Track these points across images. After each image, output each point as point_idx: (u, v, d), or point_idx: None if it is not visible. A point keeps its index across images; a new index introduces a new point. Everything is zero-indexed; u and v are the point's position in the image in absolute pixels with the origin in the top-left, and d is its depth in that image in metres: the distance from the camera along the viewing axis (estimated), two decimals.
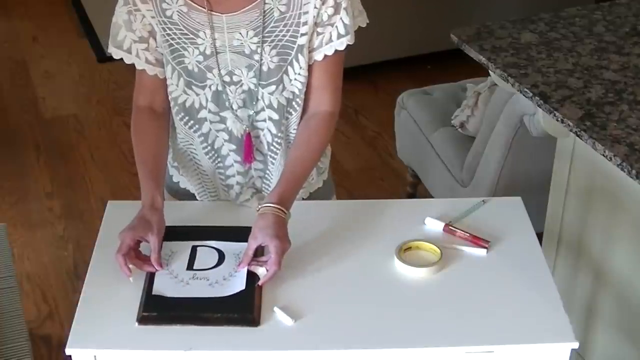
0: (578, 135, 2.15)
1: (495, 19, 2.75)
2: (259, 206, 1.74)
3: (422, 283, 1.72)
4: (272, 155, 1.92)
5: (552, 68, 2.40)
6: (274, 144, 1.90)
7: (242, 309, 1.63)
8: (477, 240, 1.81)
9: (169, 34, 1.79)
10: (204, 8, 1.76)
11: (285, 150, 1.91)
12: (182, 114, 1.89)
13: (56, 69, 4.79)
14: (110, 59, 4.80)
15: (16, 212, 3.61)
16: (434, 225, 1.86)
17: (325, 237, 1.84)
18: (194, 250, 1.77)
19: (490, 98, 2.95)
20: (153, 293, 1.67)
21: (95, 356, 1.58)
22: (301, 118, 1.88)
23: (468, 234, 1.82)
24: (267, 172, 1.95)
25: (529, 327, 1.62)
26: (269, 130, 1.89)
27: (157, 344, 1.58)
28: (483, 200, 1.96)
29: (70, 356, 1.59)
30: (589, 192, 2.44)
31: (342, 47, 1.81)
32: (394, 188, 3.64)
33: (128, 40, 1.81)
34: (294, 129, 1.89)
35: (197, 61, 1.80)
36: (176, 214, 1.86)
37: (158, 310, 1.63)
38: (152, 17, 1.78)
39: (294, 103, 1.86)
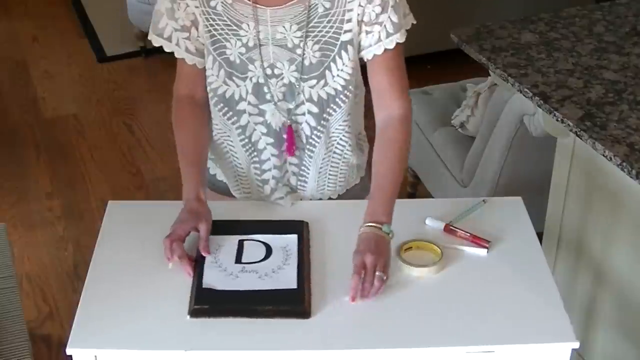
0: (578, 135, 2.15)
1: (495, 19, 2.75)
2: (359, 230, 1.73)
3: (422, 283, 1.72)
4: (310, 148, 1.92)
5: (552, 68, 2.40)
6: (313, 136, 1.90)
7: (293, 301, 1.63)
8: (477, 240, 1.81)
9: (211, 24, 1.79)
10: (249, 0, 1.76)
11: (324, 144, 1.91)
12: (221, 104, 1.88)
13: (56, 69, 4.79)
14: (110, 58, 4.88)
15: (16, 212, 3.61)
16: (435, 225, 1.86)
17: (326, 236, 1.84)
18: (240, 244, 1.78)
19: (490, 98, 2.95)
20: (203, 286, 1.66)
21: (95, 356, 1.58)
22: (348, 114, 1.89)
23: (468, 234, 1.82)
24: (303, 167, 1.95)
25: (529, 327, 1.62)
26: (308, 123, 1.89)
27: (157, 344, 1.58)
28: (483, 200, 1.96)
29: (70, 356, 1.59)
30: (589, 192, 2.44)
31: (391, 46, 1.80)
32: None
33: (169, 28, 1.81)
34: (338, 127, 1.90)
35: (239, 53, 1.81)
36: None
37: (210, 303, 1.63)
38: (196, 7, 1.78)
39: (337, 100, 1.86)
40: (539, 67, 2.41)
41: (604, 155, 2.07)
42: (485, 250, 1.79)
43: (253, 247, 1.77)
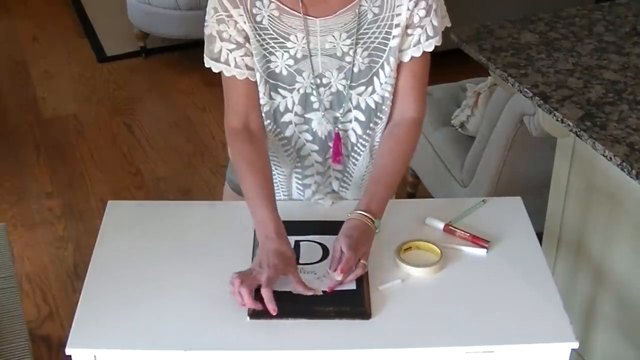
0: (578, 135, 2.15)
1: (495, 19, 2.75)
2: (348, 215, 1.73)
3: (421, 283, 1.72)
4: (355, 156, 1.91)
5: (552, 68, 2.40)
6: (358, 144, 1.89)
7: (353, 302, 1.63)
8: (477, 240, 1.81)
9: (257, 40, 1.75)
10: (299, 12, 1.72)
11: (369, 152, 1.90)
12: (266, 120, 1.84)
13: (56, 69, 4.79)
14: (110, 58, 4.88)
15: (16, 212, 3.61)
16: (434, 225, 1.86)
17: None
18: (297, 245, 1.77)
19: (490, 98, 2.95)
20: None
21: (95, 356, 1.58)
22: (386, 124, 1.86)
23: (468, 234, 1.82)
24: (346, 173, 1.94)
25: (529, 327, 1.62)
26: (354, 131, 1.87)
27: (157, 344, 1.58)
28: (483, 200, 1.96)
29: (70, 356, 1.59)
30: (589, 192, 2.44)
31: (430, 49, 1.80)
32: None
33: (224, 51, 1.76)
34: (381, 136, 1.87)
35: (286, 65, 1.77)
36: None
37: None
38: (244, 23, 1.73)
39: (384, 107, 1.83)
40: (539, 67, 2.41)
41: (604, 155, 2.07)
42: (485, 250, 1.79)
43: (310, 248, 1.76)
